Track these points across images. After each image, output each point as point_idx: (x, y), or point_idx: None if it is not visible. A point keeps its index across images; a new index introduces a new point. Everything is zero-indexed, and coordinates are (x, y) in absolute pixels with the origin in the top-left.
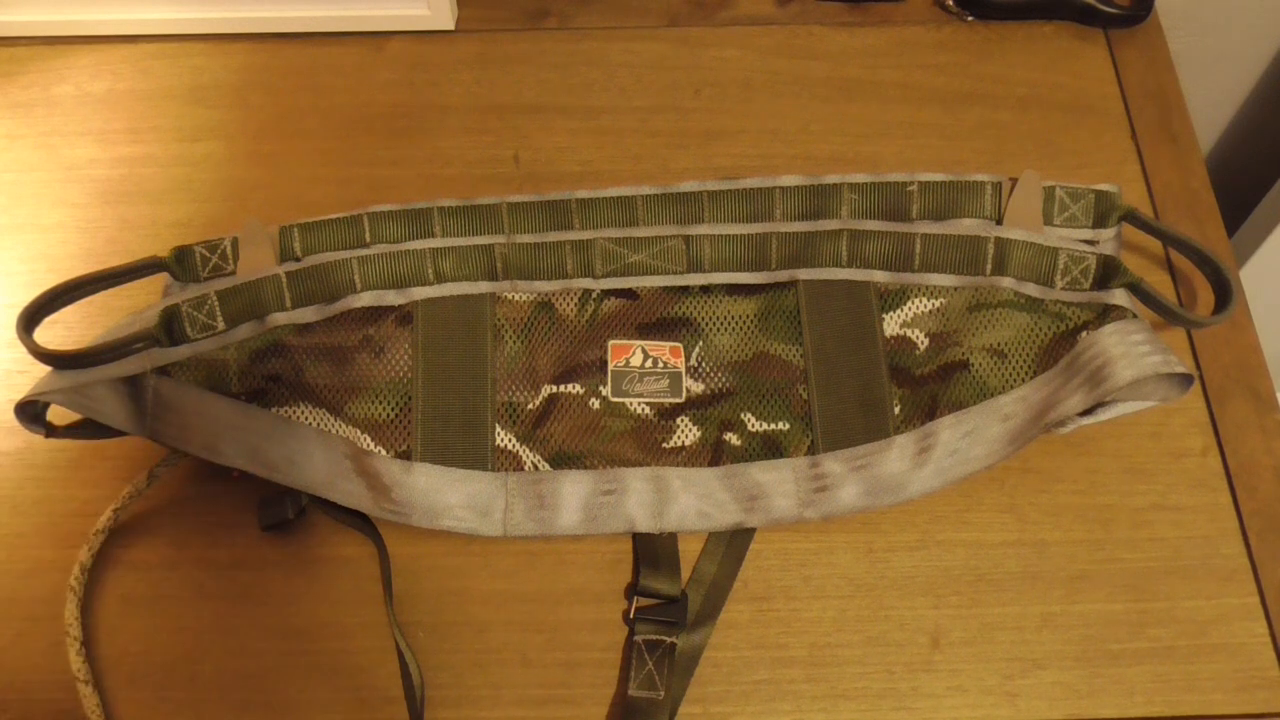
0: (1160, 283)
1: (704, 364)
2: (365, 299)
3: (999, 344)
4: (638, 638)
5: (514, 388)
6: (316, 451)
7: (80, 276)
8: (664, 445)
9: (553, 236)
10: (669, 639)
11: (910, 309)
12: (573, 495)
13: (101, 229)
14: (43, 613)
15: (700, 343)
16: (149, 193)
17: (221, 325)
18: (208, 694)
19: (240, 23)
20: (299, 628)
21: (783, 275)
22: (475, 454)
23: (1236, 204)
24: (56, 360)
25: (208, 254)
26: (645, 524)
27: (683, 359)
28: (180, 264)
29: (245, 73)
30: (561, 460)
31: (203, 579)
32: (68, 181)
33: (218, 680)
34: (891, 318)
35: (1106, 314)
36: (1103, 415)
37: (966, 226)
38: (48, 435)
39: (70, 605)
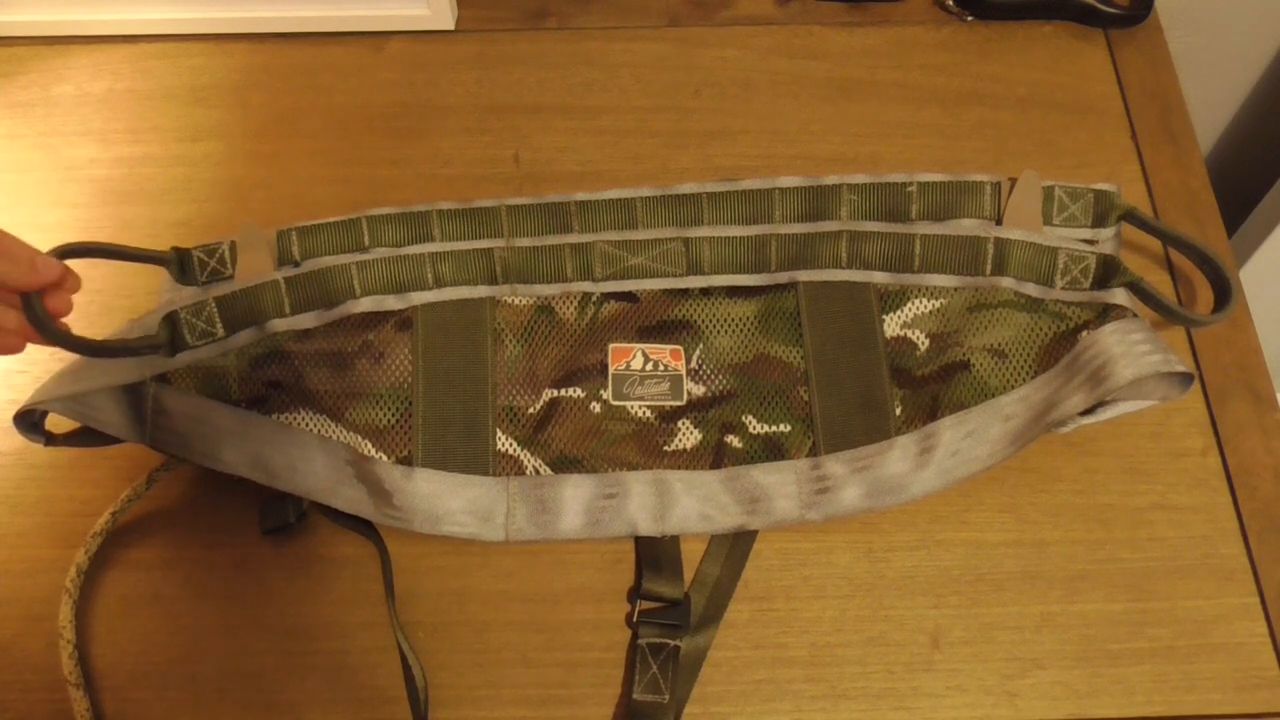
0: (1160, 282)
1: (705, 366)
2: (365, 304)
3: (999, 344)
4: (641, 641)
5: (514, 392)
6: (317, 458)
7: (89, 242)
8: (665, 448)
9: (552, 240)
10: (673, 642)
11: (910, 310)
12: (574, 499)
13: (101, 229)
14: (42, 612)
15: (701, 345)
16: (149, 193)
17: (221, 332)
18: (208, 694)
19: (240, 23)
20: (299, 627)
21: (783, 277)
22: (476, 459)
23: (1236, 204)
24: (63, 339)
25: (205, 258)
26: (647, 527)
27: (683, 361)
28: (179, 266)
29: (245, 73)
30: (563, 464)
31: (203, 579)
32: (68, 181)
33: (218, 680)
34: (892, 318)
35: (1106, 313)
36: (1103, 414)
37: (966, 227)
38: (47, 444)
39: (65, 608)
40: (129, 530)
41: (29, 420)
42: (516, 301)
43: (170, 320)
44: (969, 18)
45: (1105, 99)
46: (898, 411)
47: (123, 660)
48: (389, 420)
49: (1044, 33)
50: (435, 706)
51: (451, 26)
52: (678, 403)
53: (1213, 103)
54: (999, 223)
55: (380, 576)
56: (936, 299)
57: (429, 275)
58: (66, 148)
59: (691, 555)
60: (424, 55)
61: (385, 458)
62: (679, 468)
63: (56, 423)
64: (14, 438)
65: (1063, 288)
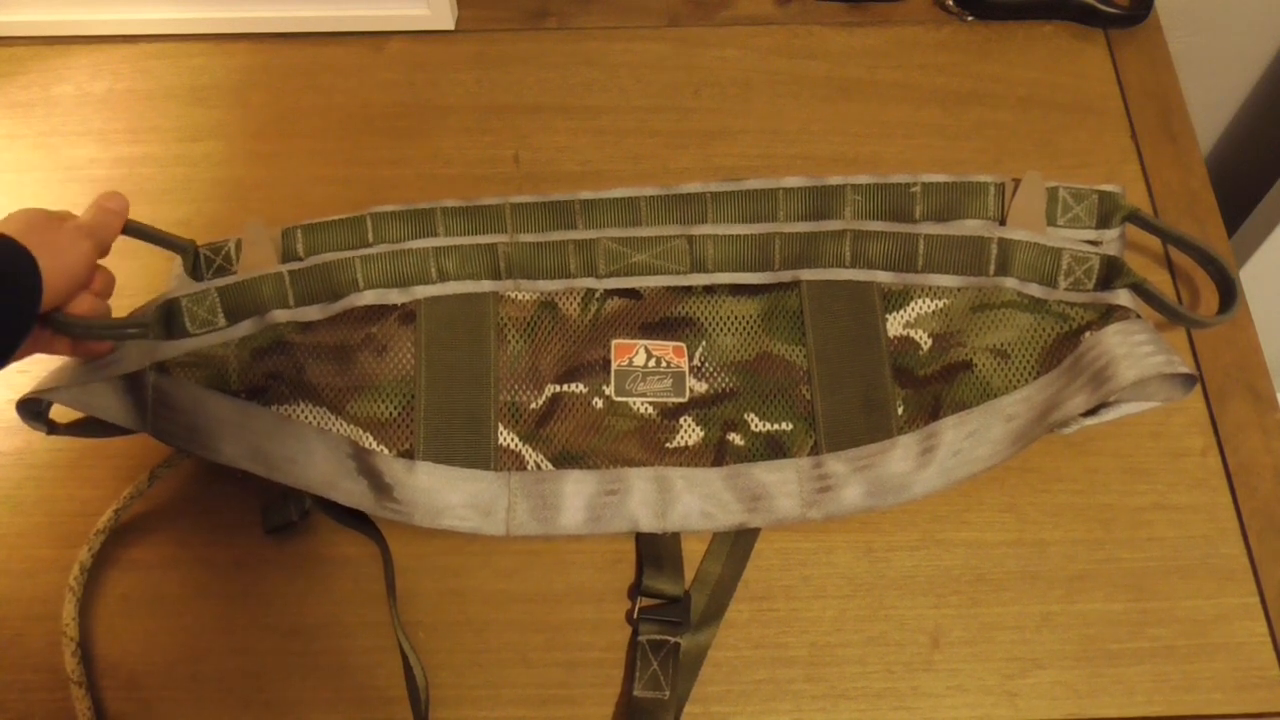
0: (1160, 282)
1: (707, 364)
2: (368, 297)
3: (1002, 344)
4: (641, 638)
5: (517, 387)
6: (318, 450)
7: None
8: (667, 445)
9: (556, 236)
10: (673, 639)
11: (913, 309)
12: (576, 495)
13: None
14: (42, 612)
15: (703, 342)
16: (149, 193)
17: (222, 321)
18: (209, 693)
19: (240, 23)
20: (300, 627)
21: (786, 275)
22: (478, 453)
23: (1236, 204)
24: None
25: (211, 255)
26: (648, 524)
27: (686, 359)
28: (193, 258)
29: (245, 73)
30: (564, 460)
31: (204, 578)
32: (68, 181)
33: (219, 679)
34: (895, 318)
35: (1110, 314)
36: (1106, 415)
37: (970, 227)
38: (49, 432)
39: (69, 606)
40: (131, 529)
41: (32, 408)
42: (520, 297)
43: (168, 306)
44: (969, 18)
45: (1105, 99)
46: (900, 411)
47: (124, 659)
48: (391, 413)
49: (1044, 33)
50: (436, 706)
51: (451, 26)
52: (680, 399)
53: (1213, 103)
54: (1003, 223)
55: (381, 576)
56: (940, 299)
57: (433, 270)
58: (66, 148)
59: (693, 554)
60: (424, 55)
61: (387, 451)
62: (681, 465)
63: (58, 414)
64: (14, 438)
65: (1066, 288)
